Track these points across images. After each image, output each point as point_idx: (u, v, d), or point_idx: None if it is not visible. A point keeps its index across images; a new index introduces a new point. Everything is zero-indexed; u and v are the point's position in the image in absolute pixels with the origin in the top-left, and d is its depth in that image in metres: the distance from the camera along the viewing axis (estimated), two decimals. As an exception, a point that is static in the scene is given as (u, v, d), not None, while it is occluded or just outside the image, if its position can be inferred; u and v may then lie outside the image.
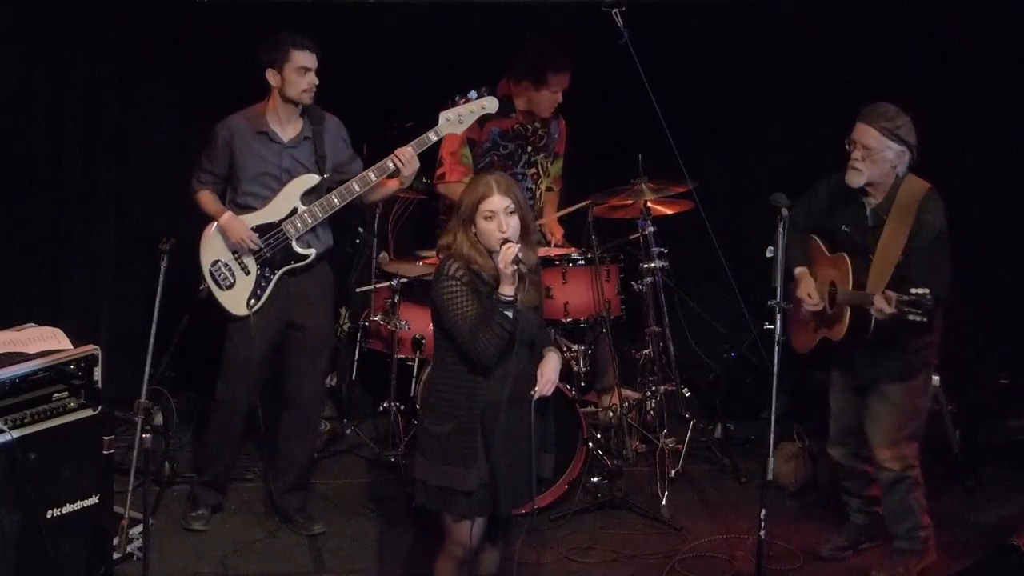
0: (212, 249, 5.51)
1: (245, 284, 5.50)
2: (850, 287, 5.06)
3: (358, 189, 5.45)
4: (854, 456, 5.36)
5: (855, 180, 5.06)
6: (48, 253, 6.55)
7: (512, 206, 4.29)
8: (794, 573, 5.35)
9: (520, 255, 4.21)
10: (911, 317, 4.73)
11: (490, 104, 5.54)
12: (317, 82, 5.42)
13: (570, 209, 6.42)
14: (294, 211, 5.48)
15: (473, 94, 5.50)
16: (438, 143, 6.37)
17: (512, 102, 6.41)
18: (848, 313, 5.07)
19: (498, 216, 4.27)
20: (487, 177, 4.37)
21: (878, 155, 5.00)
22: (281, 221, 5.48)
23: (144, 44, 6.54)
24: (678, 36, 6.78)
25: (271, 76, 5.40)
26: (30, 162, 6.38)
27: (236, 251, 5.49)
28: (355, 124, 5.71)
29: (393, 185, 5.58)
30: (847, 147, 5.06)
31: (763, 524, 4.56)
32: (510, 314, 4.22)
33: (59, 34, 6.31)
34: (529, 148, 6.49)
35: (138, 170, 6.69)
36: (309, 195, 5.49)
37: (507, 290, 4.23)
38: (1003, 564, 4.67)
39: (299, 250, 5.51)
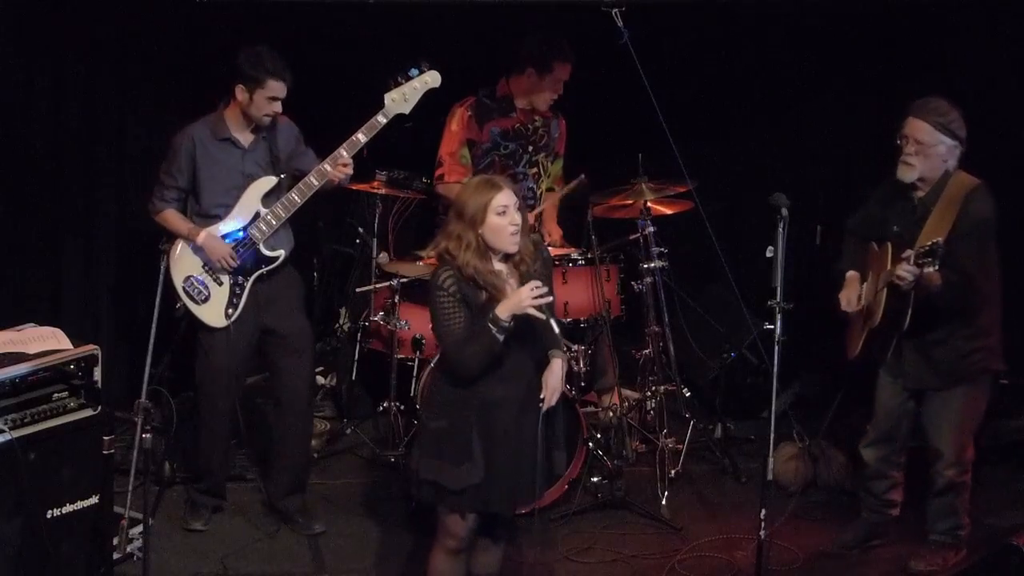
0: (183, 266, 5.47)
1: (220, 295, 5.47)
2: (888, 268, 5.00)
3: (316, 183, 5.43)
4: (886, 461, 5.33)
5: (908, 175, 5.02)
6: (48, 253, 6.54)
7: (518, 203, 4.36)
8: (794, 573, 5.35)
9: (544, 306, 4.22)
10: (927, 269, 4.66)
11: (432, 78, 5.47)
12: (280, 110, 5.41)
13: (567, 189, 6.40)
14: (257, 215, 5.46)
15: (414, 71, 5.45)
16: (439, 142, 6.42)
17: (512, 101, 6.41)
18: (885, 296, 5.00)
19: (510, 210, 4.32)
20: (490, 177, 4.46)
21: (931, 149, 4.97)
22: (246, 227, 5.46)
23: (144, 44, 6.54)
24: (678, 36, 6.77)
25: (240, 92, 5.37)
26: (30, 162, 6.37)
27: (207, 264, 5.46)
28: (353, 124, 5.69)
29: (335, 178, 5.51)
30: (898, 142, 5.02)
31: (763, 524, 4.57)
32: (501, 338, 4.23)
33: (59, 34, 6.30)
34: (530, 148, 6.48)
35: (138, 170, 6.67)
36: (269, 197, 5.47)
37: (506, 314, 4.23)
38: (1003, 564, 4.65)
39: (268, 253, 5.49)
